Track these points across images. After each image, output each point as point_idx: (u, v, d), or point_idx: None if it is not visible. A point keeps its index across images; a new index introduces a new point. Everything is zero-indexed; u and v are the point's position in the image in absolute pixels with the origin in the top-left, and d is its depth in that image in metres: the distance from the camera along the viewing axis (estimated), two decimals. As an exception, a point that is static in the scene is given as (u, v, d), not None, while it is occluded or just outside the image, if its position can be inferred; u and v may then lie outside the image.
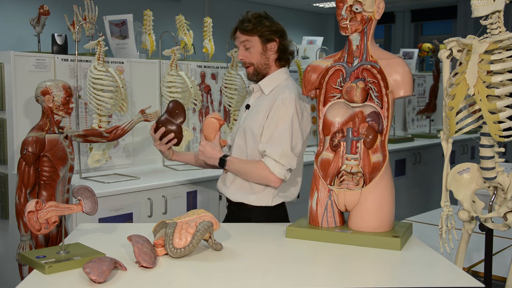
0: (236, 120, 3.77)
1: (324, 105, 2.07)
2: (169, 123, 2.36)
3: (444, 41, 1.94)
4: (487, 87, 1.75)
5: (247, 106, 2.42)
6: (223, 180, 2.42)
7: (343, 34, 2.01)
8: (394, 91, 1.95)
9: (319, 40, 5.44)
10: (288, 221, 2.37)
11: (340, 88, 2.03)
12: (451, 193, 1.99)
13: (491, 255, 1.98)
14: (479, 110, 1.79)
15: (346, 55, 2.03)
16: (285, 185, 2.31)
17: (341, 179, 2.02)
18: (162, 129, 2.34)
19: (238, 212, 2.35)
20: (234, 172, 2.31)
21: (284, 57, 2.36)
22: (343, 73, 2.03)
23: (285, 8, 10.65)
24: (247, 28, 2.28)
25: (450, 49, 1.90)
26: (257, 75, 2.34)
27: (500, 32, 1.77)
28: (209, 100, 4.00)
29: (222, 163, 2.29)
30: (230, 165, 2.28)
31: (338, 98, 2.04)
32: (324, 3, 10.88)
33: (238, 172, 2.30)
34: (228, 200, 2.42)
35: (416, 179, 5.33)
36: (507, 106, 1.74)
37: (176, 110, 2.38)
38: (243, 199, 2.32)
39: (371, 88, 1.98)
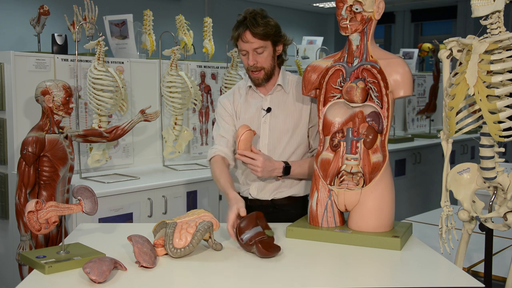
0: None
1: (324, 105, 2.07)
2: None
3: (444, 41, 1.94)
4: (487, 87, 1.75)
5: (268, 110, 2.30)
6: (264, 185, 2.31)
7: (343, 34, 2.01)
8: (394, 91, 1.95)
9: (319, 40, 5.44)
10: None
11: (340, 88, 2.03)
12: (451, 193, 1.99)
13: (491, 255, 1.98)
14: (479, 110, 1.79)
15: (346, 55, 2.03)
16: None
17: (341, 179, 2.02)
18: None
19: (281, 208, 2.33)
20: (298, 176, 2.28)
21: (282, 55, 2.33)
22: (343, 73, 2.03)
23: (285, 8, 10.64)
24: (261, 32, 2.17)
25: (450, 49, 1.90)
26: (268, 79, 2.28)
27: (500, 32, 1.77)
28: (209, 100, 4.00)
29: (287, 170, 2.23)
30: (296, 169, 2.25)
31: (338, 98, 2.04)
32: (324, 3, 10.88)
33: (303, 174, 2.27)
34: (258, 203, 2.33)
35: (416, 179, 5.33)
36: (507, 106, 1.74)
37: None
38: (289, 192, 2.31)
39: (371, 88, 1.98)
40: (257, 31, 2.16)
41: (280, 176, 2.25)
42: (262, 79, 2.26)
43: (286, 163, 2.23)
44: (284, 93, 2.32)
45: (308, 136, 2.32)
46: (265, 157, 2.17)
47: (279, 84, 2.30)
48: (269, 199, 2.32)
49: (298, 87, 2.30)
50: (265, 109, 2.30)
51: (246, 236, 1.83)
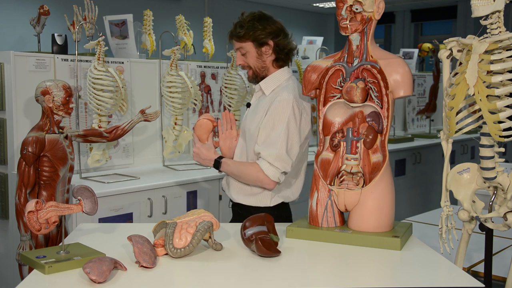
0: (237, 120, 3.78)
1: (324, 105, 2.07)
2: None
3: (444, 41, 1.94)
4: (487, 87, 1.75)
5: (248, 105, 2.42)
6: (226, 180, 2.43)
7: (343, 34, 2.01)
8: (394, 91, 1.95)
9: (319, 40, 5.44)
10: (291, 221, 2.37)
11: (340, 88, 2.03)
12: (451, 193, 1.99)
13: (491, 255, 1.98)
14: (479, 110, 1.79)
15: (346, 55, 2.03)
16: (280, 187, 2.30)
17: (341, 179, 2.02)
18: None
19: (240, 213, 2.35)
20: (229, 174, 2.33)
21: (282, 57, 2.31)
22: (343, 73, 2.02)
23: (285, 8, 10.64)
24: (239, 35, 2.27)
25: (450, 49, 1.90)
26: (256, 78, 2.34)
27: (500, 32, 1.77)
28: (209, 100, 4.01)
29: (216, 164, 2.30)
30: (225, 166, 2.29)
31: (338, 98, 2.04)
32: (324, 3, 10.87)
33: (233, 174, 2.30)
34: (230, 200, 2.43)
35: (416, 179, 5.33)
36: (507, 106, 1.74)
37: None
38: (243, 200, 2.33)
39: (371, 88, 1.98)
40: (234, 33, 2.30)
41: (219, 171, 2.33)
42: (251, 78, 2.36)
43: (220, 157, 2.30)
44: (262, 94, 2.36)
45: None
46: (206, 146, 2.31)
47: (259, 85, 2.35)
48: (231, 198, 2.39)
49: (276, 95, 2.25)
50: (247, 104, 2.43)
51: (249, 231, 1.84)
